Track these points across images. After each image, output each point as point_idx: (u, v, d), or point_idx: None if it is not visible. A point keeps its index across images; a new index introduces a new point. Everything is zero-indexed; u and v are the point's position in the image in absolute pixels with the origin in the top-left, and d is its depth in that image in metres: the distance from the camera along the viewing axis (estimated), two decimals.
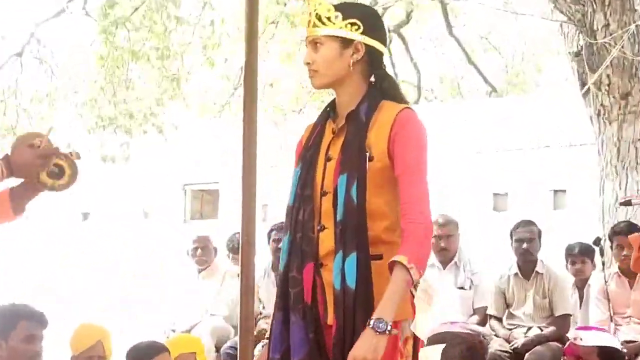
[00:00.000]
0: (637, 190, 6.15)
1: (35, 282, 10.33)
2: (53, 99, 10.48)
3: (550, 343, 5.63)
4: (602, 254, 5.75)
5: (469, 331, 5.44)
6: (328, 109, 2.76)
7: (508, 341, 5.71)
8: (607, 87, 6.37)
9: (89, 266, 10.41)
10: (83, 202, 10.93)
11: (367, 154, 2.58)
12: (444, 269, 5.89)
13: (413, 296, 2.61)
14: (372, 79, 2.73)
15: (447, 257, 5.91)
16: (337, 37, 2.65)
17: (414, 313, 2.59)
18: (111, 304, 9.91)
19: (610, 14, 6.27)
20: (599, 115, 6.49)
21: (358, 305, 2.50)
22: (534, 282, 5.86)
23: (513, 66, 14.98)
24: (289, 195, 2.71)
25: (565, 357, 5.47)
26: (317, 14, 2.67)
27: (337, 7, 2.68)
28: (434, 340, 4.23)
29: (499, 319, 5.89)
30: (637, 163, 6.36)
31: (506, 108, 8.77)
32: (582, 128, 7.24)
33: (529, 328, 5.75)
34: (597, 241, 5.82)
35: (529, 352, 5.59)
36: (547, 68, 15.18)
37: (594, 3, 6.29)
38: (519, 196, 8.30)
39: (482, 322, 5.89)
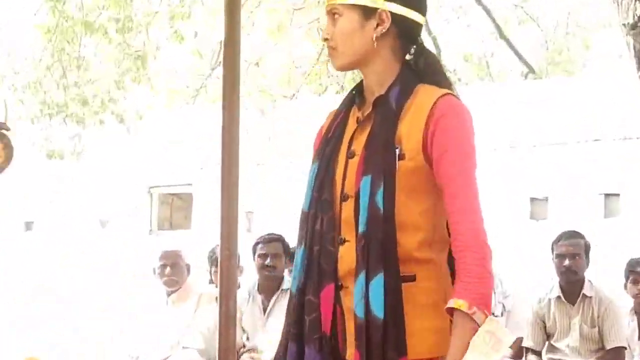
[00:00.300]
0: None
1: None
2: None
3: None
4: None
5: None
6: (354, 92, 2.73)
7: None
8: None
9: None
10: (25, 209, 10.93)
11: (397, 150, 2.54)
12: None
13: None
14: (408, 58, 2.69)
15: None
16: (358, 5, 2.63)
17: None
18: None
19: None
20: None
21: (387, 339, 2.47)
22: (581, 308, 5.86)
23: (554, 41, 14.98)
24: (304, 199, 2.68)
25: None
26: None
27: None
28: None
29: (538, 353, 5.90)
30: None
31: (546, 92, 8.77)
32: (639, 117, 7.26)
33: None
34: None
35: None
36: (596, 43, 15.19)
37: None
38: (561, 201, 8.30)
39: (517, 357, 5.89)
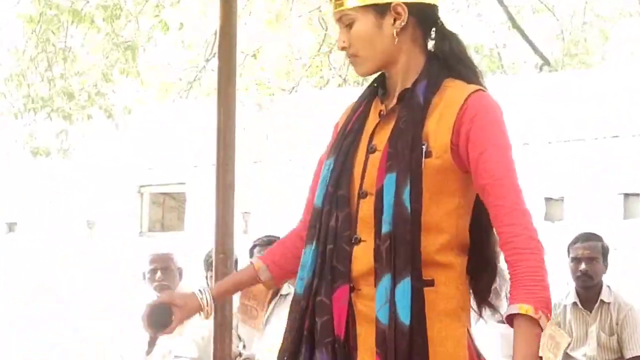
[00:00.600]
0: None
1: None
2: None
3: None
4: None
5: None
6: (375, 84, 2.73)
7: None
8: None
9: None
10: (8, 209, 10.93)
11: (424, 147, 2.54)
12: None
13: (471, 336, 2.60)
14: (430, 45, 2.68)
15: None
16: (369, 5, 2.62)
17: None
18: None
19: None
20: None
21: (414, 347, 2.46)
22: (598, 315, 5.86)
23: (571, 32, 14.99)
24: (317, 194, 2.67)
25: None
26: None
27: None
28: None
29: None
30: None
31: (562, 86, 8.77)
32: None
33: None
34: None
35: None
36: (615, 34, 15.20)
37: None
38: (578, 201, 8.30)
39: None
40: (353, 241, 2.57)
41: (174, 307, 2.86)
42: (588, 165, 8.30)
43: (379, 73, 2.73)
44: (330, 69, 12.39)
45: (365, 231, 2.56)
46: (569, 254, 5.95)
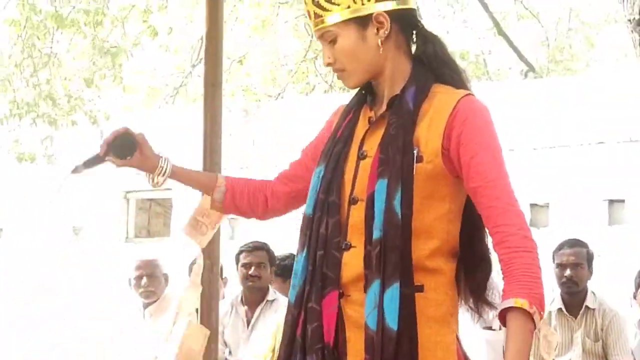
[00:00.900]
0: None
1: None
2: None
3: None
4: None
5: None
6: (364, 91, 2.73)
7: None
8: None
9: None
10: None
11: (415, 152, 2.55)
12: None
13: (459, 342, 2.60)
14: (414, 49, 2.69)
15: None
16: (350, 19, 2.62)
17: None
18: None
19: None
20: None
21: (401, 354, 2.47)
22: (583, 321, 5.88)
23: (556, 38, 15.05)
24: (307, 201, 2.68)
25: None
26: (314, 0, 2.65)
27: None
28: None
29: None
30: None
31: (547, 92, 8.80)
32: None
33: None
34: None
35: None
36: (600, 41, 15.25)
37: None
38: (563, 208, 8.33)
39: None
40: (343, 247, 2.58)
41: (138, 146, 2.88)
42: (573, 172, 8.33)
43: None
44: (316, 75, 12.40)
45: (355, 237, 2.57)
46: (554, 260, 5.96)
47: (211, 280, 3.53)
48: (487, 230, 2.59)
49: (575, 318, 5.91)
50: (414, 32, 2.70)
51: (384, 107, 2.65)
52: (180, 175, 2.98)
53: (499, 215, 2.52)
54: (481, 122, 2.58)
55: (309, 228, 2.64)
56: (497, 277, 2.63)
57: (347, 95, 2.86)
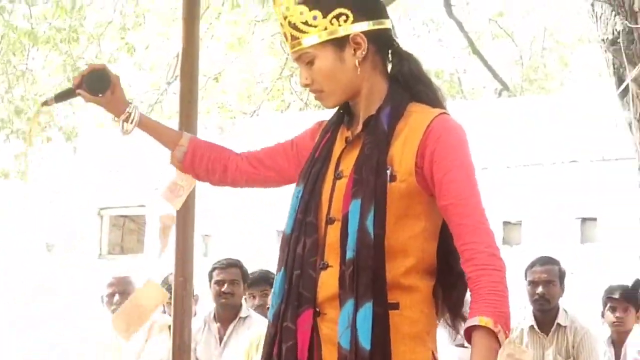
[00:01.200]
0: None
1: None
2: None
3: None
4: None
5: None
6: (341, 110, 2.75)
7: None
8: None
9: None
10: None
11: (388, 171, 2.56)
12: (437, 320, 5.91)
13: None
14: (390, 68, 2.70)
15: None
16: (327, 40, 2.64)
17: None
18: None
19: None
20: None
21: None
22: (555, 338, 5.89)
23: (531, 58, 15.13)
24: (286, 221, 2.69)
25: None
26: (290, 22, 2.66)
27: (310, 3, 2.64)
28: None
29: None
30: None
31: (521, 111, 8.85)
32: (619, 138, 7.31)
33: None
34: (637, 285, 5.87)
35: None
36: (574, 61, 15.34)
37: None
38: (536, 225, 8.37)
39: None
40: (321, 266, 2.59)
41: (112, 86, 2.86)
42: (546, 190, 8.37)
43: None
44: (292, 93, 12.42)
45: (332, 257, 2.58)
46: (526, 277, 5.98)
47: (184, 297, 3.53)
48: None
49: (547, 335, 5.92)
50: (390, 51, 2.72)
51: (360, 127, 2.67)
52: (147, 126, 3.00)
53: (468, 233, 2.53)
54: (455, 141, 2.59)
55: (287, 247, 2.65)
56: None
57: (322, 113, 2.89)
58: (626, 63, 6.39)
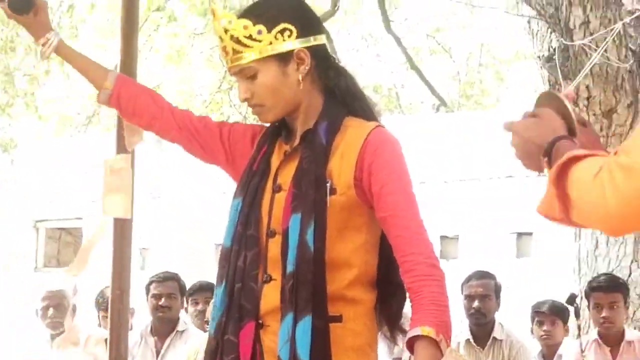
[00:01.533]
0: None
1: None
2: None
3: None
4: (577, 315, 5.84)
5: None
6: (277, 124, 2.75)
7: None
8: (586, 102, 6.51)
9: None
10: None
11: (328, 185, 2.57)
12: None
13: None
14: (327, 82, 2.71)
15: None
16: (271, 55, 2.63)
17: None
18: None
19: (591, 9, 6.40)
20: None
21: None
22: (491, 351, 5.92)
23: (467, 73, 15.25)
24: (225, 234, 2.68)
25: None
26: (233, 36, 2.65)
27: (254, 17, 2.64)
28: None
29: None
30: None
31: (458, 127, 8.91)
32: None
33: None
34: (572, 299, 5.92)
35: None
36: (510, 77, 15.49)
37: None
38: (472, 240, 8.42)
39: None
40: (263, 279, 2.59)
41: (35, 8, 2.89)
42: (483, 205, 8.44)
43: None
44: (231, 106, 12.39)
45: (275, 270, 2.58)
46: (462, 291, 6.01)
47: (121, 310, 3.49)
48: None
49: (483, 349, 5.95)
50: (327, 66, 2.72)
51: (298, 140, 2.67)
52: (69, 56, 3.00)
53: (407, 244, 2.55)
54: (391, 153, 2.61)
55: (227, 261, 2.64)
56: (407, 306, 2.65)
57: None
58: (561, 79, 6.46)
